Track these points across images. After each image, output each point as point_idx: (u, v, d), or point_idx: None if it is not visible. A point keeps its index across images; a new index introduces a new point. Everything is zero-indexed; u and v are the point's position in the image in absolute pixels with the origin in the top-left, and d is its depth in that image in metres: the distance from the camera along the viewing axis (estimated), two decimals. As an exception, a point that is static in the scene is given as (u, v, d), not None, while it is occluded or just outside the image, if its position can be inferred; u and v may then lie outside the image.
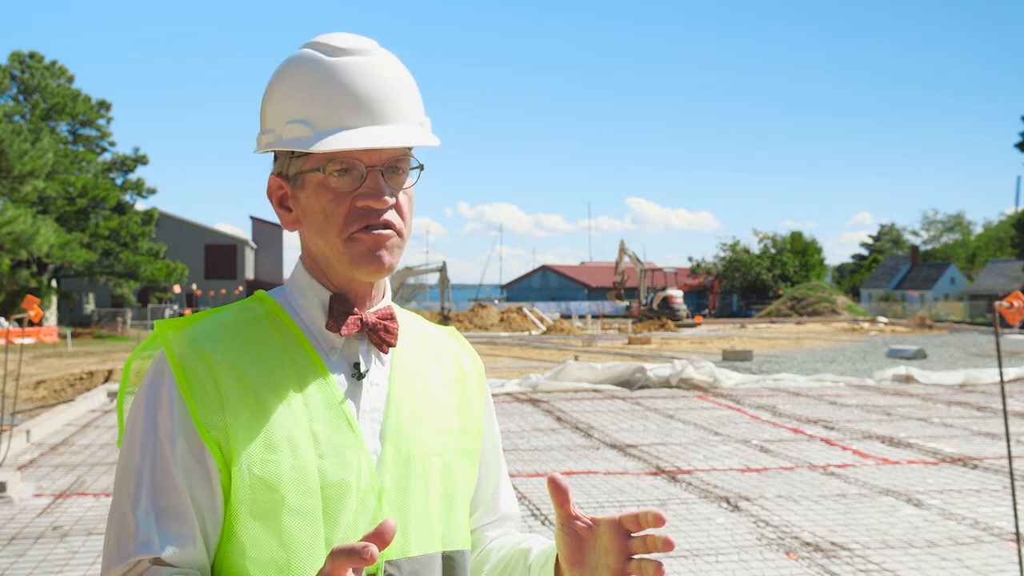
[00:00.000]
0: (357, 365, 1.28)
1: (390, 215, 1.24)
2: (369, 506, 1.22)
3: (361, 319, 1.27)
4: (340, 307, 1.27)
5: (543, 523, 6.39)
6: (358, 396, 1.27)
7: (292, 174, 1.27)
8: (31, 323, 28.64)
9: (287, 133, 1.24)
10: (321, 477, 1.19)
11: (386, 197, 1.22)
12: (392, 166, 1.25)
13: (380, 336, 1.29)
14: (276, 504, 1.17)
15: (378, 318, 1.29)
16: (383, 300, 1.34)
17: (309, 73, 1.23)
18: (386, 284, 1.35)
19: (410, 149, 1.28)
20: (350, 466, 1.21)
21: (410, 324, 1.43)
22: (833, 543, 5.90)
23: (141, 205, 47.30)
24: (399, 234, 1.26)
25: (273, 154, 1.31)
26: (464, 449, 1.37)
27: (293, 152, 1.25)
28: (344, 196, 1.22)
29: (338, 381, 1.26)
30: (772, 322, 53.14)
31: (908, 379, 16.30)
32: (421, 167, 1.29)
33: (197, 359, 1.20)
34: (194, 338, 1.23)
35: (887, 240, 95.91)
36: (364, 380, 1.28)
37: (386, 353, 1.32)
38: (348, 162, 1.22)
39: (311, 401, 1.23)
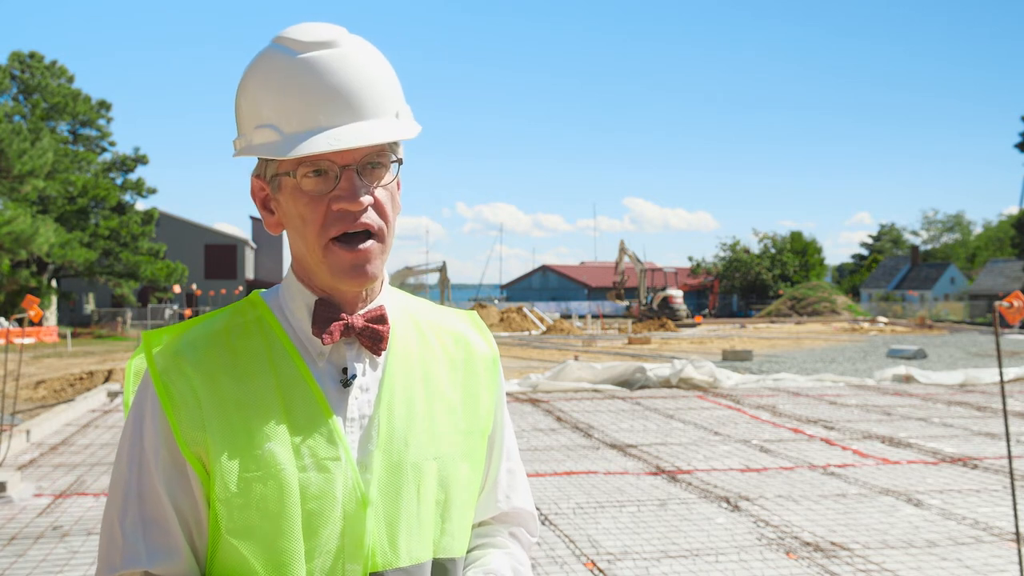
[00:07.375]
0: (346, 371, 1.24)
1: (368, 217, 1.19)
2: (352, 518, 1.18)
3: (347, 324, 1.22)
4: (324, 312, 1.22)
5: (543, 523, 6.39)
6: (345, 404, 1.22)
7: (269, 176, 1.23)
8: (31, 323, 28.64)
9: (257, 138, 1.19)
10: (302, 490, 1.16)
11: (362, 198, 1.17)
12: (368, 163, 1.19)
13: (368, 340, 1.24)
14: (254, 520, 1.15)
15: (367, 321, 1.24)
16: (376, 299, 1.28)
17: (274, 73, 1.18)
18: (383, 279, 1.29)
19: (388, 143, 1.22)
20: (334, 478, 1.18)
21: (419, 314, 1.36)
22: (833, 543, 5.90)
23: (141, 205, 47.36)
24: (380, 238, 1.20)
25: None
26: (467, 451, 1.31)
27: None
28: (319, 199, 1.18)
29: (324, 389, 1.22)
30: (772, 322, 53.09)
31: (908, 379, 16.29)
32: (400, 161, 1.23)
33: (178, 373, 1.18)
34: (177, 351, 1.20)
35: (887, 240, 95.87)
36: (352, 386, 1.23)
37: (378, 356, 1.27)
38: (320, 164, 1.17)
39: (294, 413, 1.19)
